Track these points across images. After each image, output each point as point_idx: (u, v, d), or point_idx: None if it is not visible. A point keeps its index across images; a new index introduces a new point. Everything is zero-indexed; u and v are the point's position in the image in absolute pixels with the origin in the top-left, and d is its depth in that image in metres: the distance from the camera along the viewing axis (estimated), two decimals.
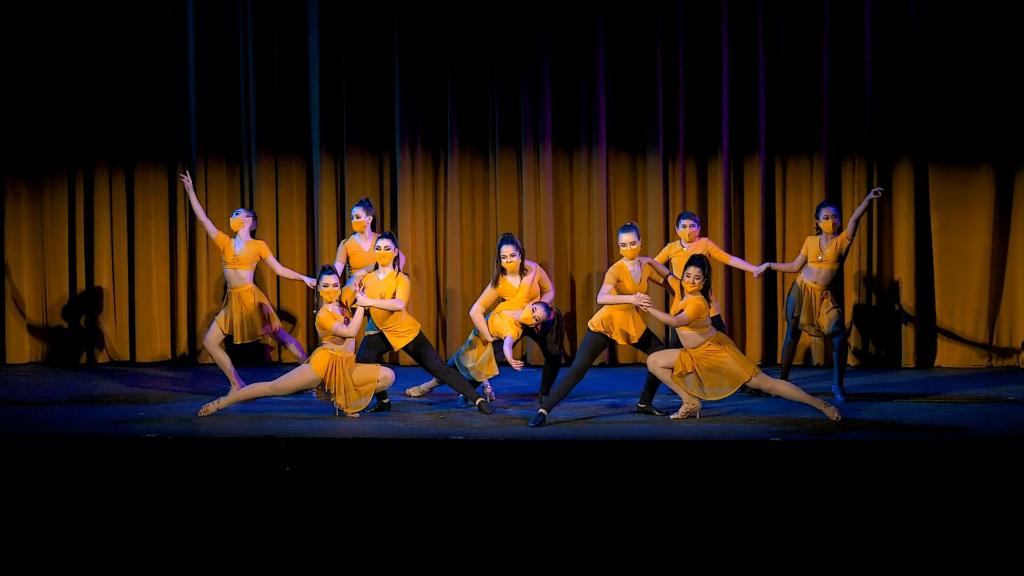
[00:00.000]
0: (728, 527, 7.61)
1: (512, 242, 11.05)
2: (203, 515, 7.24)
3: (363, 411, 10.87)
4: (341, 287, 10.91)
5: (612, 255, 13.52)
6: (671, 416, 10.60)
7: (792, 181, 13.49)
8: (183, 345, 14.02)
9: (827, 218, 11.42)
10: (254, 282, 11.77)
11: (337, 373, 10.64)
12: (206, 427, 10.34)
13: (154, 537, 7.23)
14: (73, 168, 13.99)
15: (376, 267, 11.06)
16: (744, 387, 11.64)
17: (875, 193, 11.40)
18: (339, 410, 10.75)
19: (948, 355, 13.35)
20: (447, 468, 9.07)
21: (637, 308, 10.57)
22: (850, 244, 11.43)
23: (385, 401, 11.05)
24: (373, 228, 11.70)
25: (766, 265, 11.78)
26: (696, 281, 10.37)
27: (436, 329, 13.82)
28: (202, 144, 13.85)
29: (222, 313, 11.65)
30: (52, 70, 13.86)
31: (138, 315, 14.00)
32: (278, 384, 10.75)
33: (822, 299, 11.41)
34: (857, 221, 11.40)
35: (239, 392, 10.89)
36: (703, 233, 12.95)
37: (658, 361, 10.48)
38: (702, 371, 10.34)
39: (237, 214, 11.77)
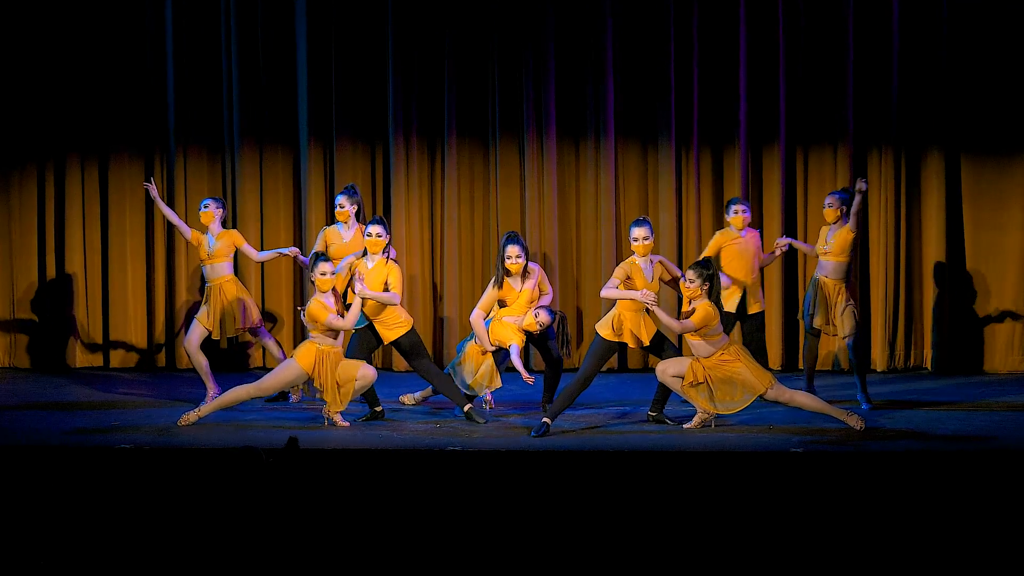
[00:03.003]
0: (746, 545, 7.58)
1: (518, 242, 10.98)
2: (182, 531, 7.22)
3: (355, 419, 10.83)
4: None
5: (621, 252, 13.49)
6: (684, 425, 10.56)
7: (814, 173, 13.47)
8: (161, 348, 13.99)
9: (829, 206, 11.36)
10: (235, 274, 11.73)
11: (325, 368, 10.58)
12: (185, 437, 10.30)
13: (129, 554, 7.21)
14: (43, 159, 13.98)
15: (364, 254, 10.99)
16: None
17: (860, 185, 11.23)
18: (328, 419, 10.70)
19: (981, 360, 13.31)
20: (444, 480, 9.04)
21: (648, 311, 10.48)
22: (855, 237, 11.32)
23: (378, 409, 11.01)
24: (358, 218, 11.61)
25: (788, 240, 11.63)
26: (691, 285, 10.27)
27: (433, 331, 13.80)
28: (181, 133, 13.83)
29: (203, 310, 11.60)
30: (19, 54, 13.83)
31: (112, 316, 13.99)
32: (262, 384, 10.69)
33: (837, 295, 11.33)
34: (857, 215, 11.28)
35: (220, 398, 10.78)
36: (720, 226, 12.94)
37: (668, 370, 10.42)
38: (714, 382, 10.27)
39: (205, 207, 11.70)
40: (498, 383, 11.02)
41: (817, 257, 11.45)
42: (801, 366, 11.81)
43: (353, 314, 10.66)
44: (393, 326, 10.92)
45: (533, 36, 13.56)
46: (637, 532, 7.79)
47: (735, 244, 11.23)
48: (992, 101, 13.21)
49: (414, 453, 9.77)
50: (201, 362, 11.56)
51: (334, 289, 10.74)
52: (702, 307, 10.23)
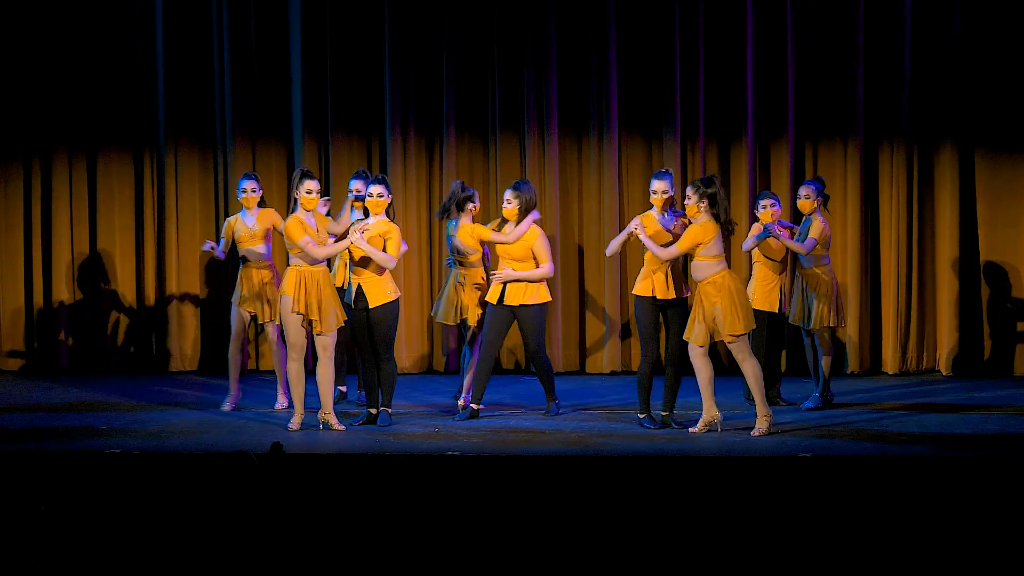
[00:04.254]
0: (754, 550, 7.56)
1: (513, 187, 11.09)
2: (173, 538, 7.21)
3: (351, 424, 10.83)
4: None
5: (625, 250, 13.46)
6: (690, 430, 10.53)
7: (824, 168, 13.43)
8: (151, 350, 13.95)
9: (806, 197, 11.34)
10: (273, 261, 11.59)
11: (308, 289, 10.49)
12: (175, 441, 10.28)
13: (116, 561, 7.20)
14: (29, 154, 13.94)
15: (366, 216, 10.88)
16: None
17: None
18: (323, 423, 10.68)
19: (996, 362, 13.27)
20: (442, 486, 9.02)
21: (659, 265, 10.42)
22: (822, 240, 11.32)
23: (374, 412, 10.99)
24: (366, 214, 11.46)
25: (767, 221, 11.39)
26: (688, 202, 10.28)
27: (430, 331, 13.76)
28: (171, 128, 13.80)
29: (237, 293, 11.46)
30: (4, 46, 13.79)
31: (100, 316, 13.94)
32: (289, 344, 10.58)
33: (816, 287, 11.26)
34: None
35: (296, 395, 10.65)
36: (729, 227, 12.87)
37: (689, 339, 10.37)
38: (699, 308, 10.26)
39: (254, 190, 11.50)
40: (449, 321, 11.26)
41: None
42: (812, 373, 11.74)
43: (329, 249, 10.58)
44: (384, 281, 10.79)
45: (535, 28, 13.53)
46: (642, 539, 7.77)
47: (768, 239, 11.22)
48: (1007, 94, 13.17)
49: (412, 458, 9.74)
50: (236, 360, 11.51)
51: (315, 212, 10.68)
52: (692, 228, 10.24)
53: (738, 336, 10.23)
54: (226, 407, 11.52)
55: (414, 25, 13.62)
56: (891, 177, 13.37)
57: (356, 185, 11.29)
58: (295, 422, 10.67)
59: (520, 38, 13.56)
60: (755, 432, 10.28)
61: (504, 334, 11.15)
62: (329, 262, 10.95)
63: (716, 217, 10.29)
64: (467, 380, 11.31)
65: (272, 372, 12.05)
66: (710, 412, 10.42)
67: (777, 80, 13.40)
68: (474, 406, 11.13)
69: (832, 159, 13.45)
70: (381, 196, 10.78)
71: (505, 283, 10.99)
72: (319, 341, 10.63)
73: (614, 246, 10.72)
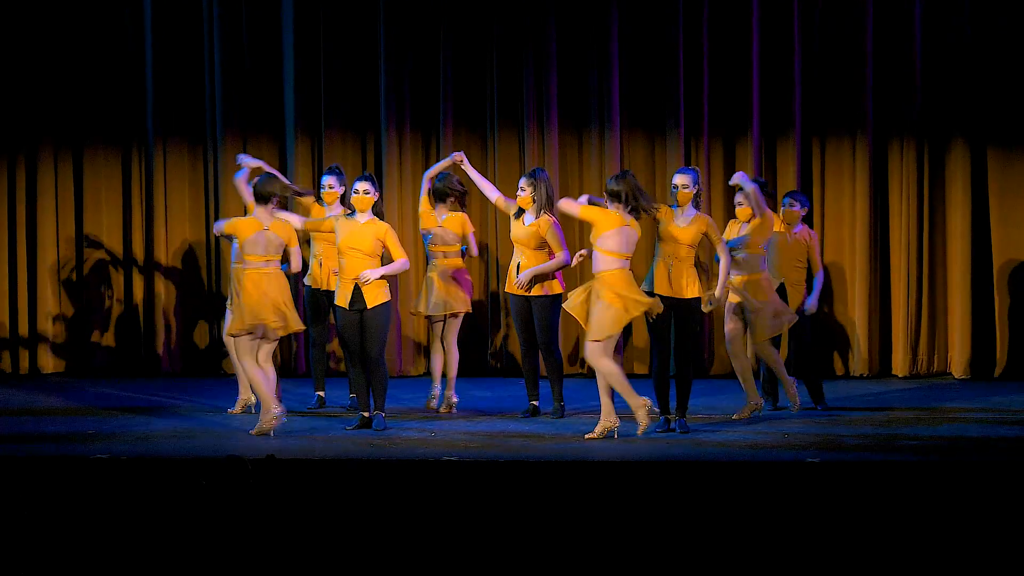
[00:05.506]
0: (759, 557, 7.57)
1: (528, 175, 11.14)
2: (164, 543, 7.22)
3: (344, 428, 10.84)
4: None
5: None
6: (586, 435, 10.45)
7: (832, 165, 13.45)
8: (138, 352, 13.96)
9: (739, 204, 11.28)
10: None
11: (261, 290, 10.51)
12: (165, 446, 10.29)
13: (104, 570, 7.21)
14: (13, 151, 13.94)
15: (352, 212, 10.87)
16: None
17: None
18: (312, 419, 10.69)
19: (1009, 365, 13.28)
20: (438, 493, 9.03)
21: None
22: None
23: (367, 416, 10.99)
24: (343, 202, 11.44)
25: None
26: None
27: (426, 335, 13.75)
28: (160, 124, 13.82)
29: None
30: None
31: (89, 318, 13.95)
32: (234, 346, 10.67)
33: (756, 294, 11.24)
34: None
35: (264, 394, 10.60)
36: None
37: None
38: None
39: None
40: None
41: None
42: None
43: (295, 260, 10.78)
44: (381, 282, 10.75)
45: (534, 21, 13.54)
46: (646, 545, 7.78)
47: (781, 239, 11.20)
48: (1020, 89, 13.18)
49: (408, 463, 9.74)
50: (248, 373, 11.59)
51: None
52: (594, 208, 10.33)
53: (595, 340, 10.24)
54: (234, 410, 11.54)
55: (410, 17, 13.64)
56: (901, 175, 13.38)
57: (330, 180, 11.40)
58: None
59: (519, 31, 13.58)
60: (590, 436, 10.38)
61: (533, 325, 11.20)
62: (305, 263, 11.08)
63: (632, 213, 10.26)
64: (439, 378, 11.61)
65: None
66: (609, 418, 10.40)
67: (784, 74, 13.41)
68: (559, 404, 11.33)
69: (840, 156, 13.46)
70: (367, 193, 10.80)
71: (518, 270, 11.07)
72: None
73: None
